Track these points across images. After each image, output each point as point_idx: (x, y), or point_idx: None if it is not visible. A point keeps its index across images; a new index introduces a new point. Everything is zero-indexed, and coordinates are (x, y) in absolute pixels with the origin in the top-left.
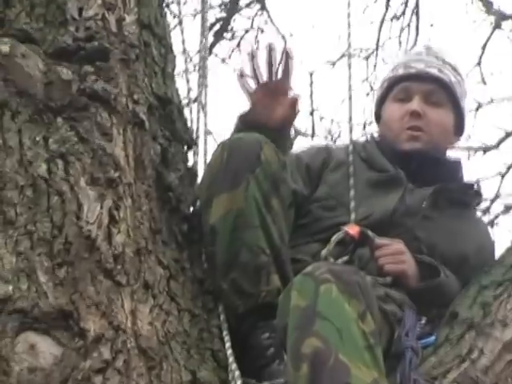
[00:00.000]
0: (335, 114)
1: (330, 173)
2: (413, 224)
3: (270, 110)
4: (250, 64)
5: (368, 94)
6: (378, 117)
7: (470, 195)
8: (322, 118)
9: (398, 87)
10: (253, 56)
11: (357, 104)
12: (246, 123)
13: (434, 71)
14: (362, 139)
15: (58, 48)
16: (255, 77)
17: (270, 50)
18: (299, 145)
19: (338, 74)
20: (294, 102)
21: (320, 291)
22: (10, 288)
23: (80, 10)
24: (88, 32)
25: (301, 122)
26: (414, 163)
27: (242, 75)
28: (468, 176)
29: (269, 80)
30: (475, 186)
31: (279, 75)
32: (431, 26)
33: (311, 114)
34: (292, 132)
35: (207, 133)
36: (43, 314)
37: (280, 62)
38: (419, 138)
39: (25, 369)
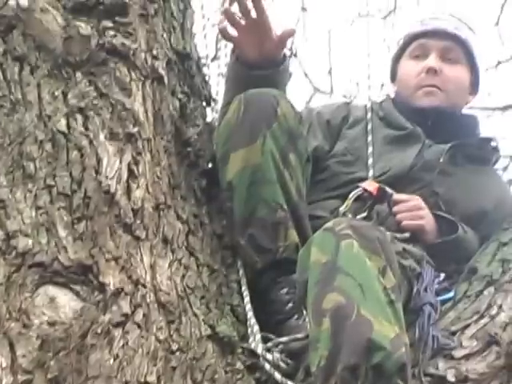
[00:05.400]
0: (352, 73)
1: (348, 129)
2: (431, 179)
3: (257, 46)
4: (224, 11)
5: (385, 55)
6: (394, 75)
7: (487, 151)
8: (340, 78)
9: (414, 44)
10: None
11: (374, 65)
12: (239, 63)
13: (450, 28)
14: (379, 99)
15: (76, 2)
16: (232, 21)
17: None
18: (317, 103)
19: (356, 33)
20: (285, 35)
21: (341, 246)
22: (30, 242)
23: None
24: None
25: (319, 80)
26: (430, 120)
27: (221, 25)
28: (485, 133)
29: (244, 18)
30: (492, 142)
31: (253, 13)
32: None
33: (329, 72)
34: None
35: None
36: (63, 268)
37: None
38: (435, 94)
39: (45, 322)
